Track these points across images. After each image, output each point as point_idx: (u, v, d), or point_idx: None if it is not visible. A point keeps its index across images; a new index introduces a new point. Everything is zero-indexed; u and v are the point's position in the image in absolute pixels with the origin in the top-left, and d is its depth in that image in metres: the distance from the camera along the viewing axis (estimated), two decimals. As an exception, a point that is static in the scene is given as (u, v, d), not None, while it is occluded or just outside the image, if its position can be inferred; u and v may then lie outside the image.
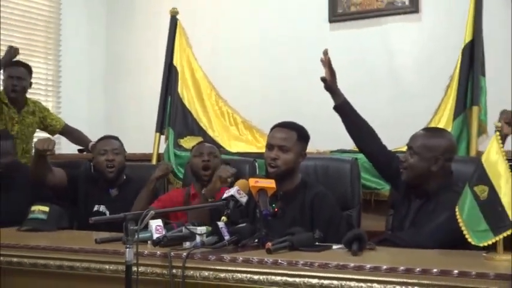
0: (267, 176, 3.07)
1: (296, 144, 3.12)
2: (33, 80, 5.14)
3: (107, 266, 2.45)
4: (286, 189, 3.08)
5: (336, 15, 5.20)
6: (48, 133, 4.75)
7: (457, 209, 2.35)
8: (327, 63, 3.07)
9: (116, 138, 3.92)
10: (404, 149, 3.08)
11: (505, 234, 2.20)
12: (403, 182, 3.05)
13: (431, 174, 2.92)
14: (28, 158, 4.32)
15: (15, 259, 2.66)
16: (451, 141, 3.04)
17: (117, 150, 3.73)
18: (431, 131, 3.08)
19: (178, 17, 4.89)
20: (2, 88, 4.54)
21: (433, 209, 2.86)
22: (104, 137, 3.89)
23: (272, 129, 3.21)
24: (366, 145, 3.23)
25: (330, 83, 3.12)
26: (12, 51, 4.37)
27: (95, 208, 3.53)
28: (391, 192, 3.40)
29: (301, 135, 3.18)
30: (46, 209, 3.16)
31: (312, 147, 3.48)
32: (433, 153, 2.91)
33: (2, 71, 4.54)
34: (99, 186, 3.66)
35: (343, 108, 3.17)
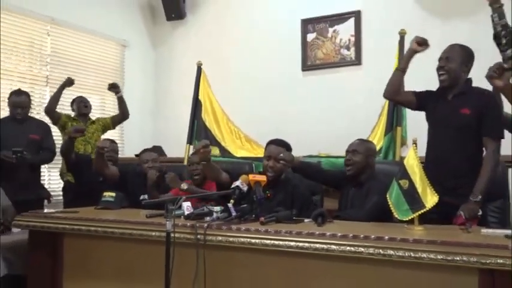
0: (262, 173, 3.04)
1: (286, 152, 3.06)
2: (105, 107, 5.14)
3: (153, 233, 2.43)
4: (276, 182, 3.05)
5: (306, 66, 5.18)
6: (107, 129, 4.65)
7: (387, 195, 2.34)
8: None
9: (153, 150, 3.89)
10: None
11: (419, 213, 2.21)
12: (343, 179, 3.01)
13: (366, 167, 2.90)
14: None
15: (92, 228, 2.63)
16: (374, 146, 3.04)
17: (155, 159, 3.64)
18: (362, 140, 3.04)
19: (202, 66, 4.91)
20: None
21: (365, 193, 2.83)
22: (145, 150, 3.80)
23: (268, 145, 3.15)
24: (324, 181, 3.20)
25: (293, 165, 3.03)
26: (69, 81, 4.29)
27: (141, 197, 3.40)
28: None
29: (288, 149, 3.14)
30: (113, 194, 3.14)
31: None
32: (368, 152, 2.92)
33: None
34: (143, 182, 3.58)
35: (301, 170, 3.10)
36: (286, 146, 3.15)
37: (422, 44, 2.67)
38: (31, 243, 2.87)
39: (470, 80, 2.66)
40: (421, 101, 2.80)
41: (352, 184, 2.97)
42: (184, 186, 3.20)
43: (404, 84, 2.83)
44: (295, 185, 3.09)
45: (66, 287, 2.77)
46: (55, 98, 4.21)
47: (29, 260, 2.89)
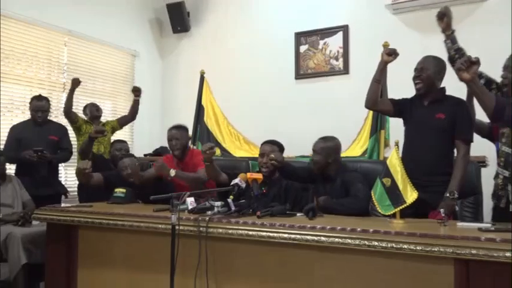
0: (258, 171, 3.04)
1: (279, 152, 3.07)
2: (116, 111, 5.12)
3: (160, 225, 2.42)
4: (270, 180, 3.04)
5: (299, 75, 5.17)
6: (115, 130, 4.58)
7: (372, 193, 2.33)
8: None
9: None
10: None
11: (400, 208, 2.21)
12: (312, 174, 2.96)
13: (331, 164, 2.84)
14: (107, 154, 4.18)
15: (104, 221, 2.62)
16: (337, 143, 2.92)
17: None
18: (322, 139, 2.93)
19: (204, 75, 4.92)
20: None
21: (341, 185, 2.78)
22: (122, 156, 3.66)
23: (263, 144, 3.15)
24: (298, 179, 3.07)
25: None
26: (76, 81, 4.13)
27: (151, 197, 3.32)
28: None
29: (281, 148, 3.14)
30: (124, 190, 3.12)
31: (284, 154, 3.46)
32: (327, 151, 2.84)
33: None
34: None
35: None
36: (279, 146, 3.15)
37: (391, 54, 2.65)
38: (49, 235, 2.86)
39: (444, 89, 2.66)
40: (398, 108, 2.80)
41: (323, 178, 2.91)
42: (172, 172, 3.14)
43: (388, 93, 2.83)
44: (288, 182, 3.08)
45: (80, 275, 2.76)
46: (69, 100, 4.15)
47: (47, 250, 2.88)
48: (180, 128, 3.43)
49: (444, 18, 2.60)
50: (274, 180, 3.08)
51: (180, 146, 3.36)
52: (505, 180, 2.41)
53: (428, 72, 2.60)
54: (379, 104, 2.81)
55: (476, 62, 2.15)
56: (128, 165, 3.26)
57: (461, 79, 2.20)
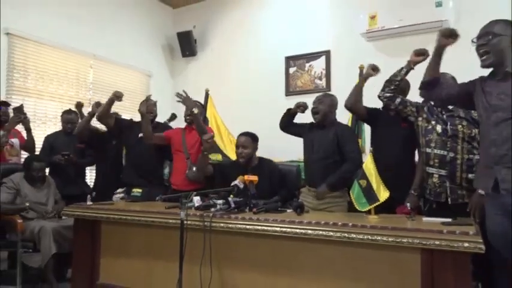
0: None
1: (251, 144, 3.06)
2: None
3: (170, 220, 2.40)
4: (252, 165, 3.03)
5: (289, 92, 5.17)
6: None
7: (351, 193, 2.31)
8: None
9: None
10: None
11: (374, 205, 2.20)
12: (307, 126, 2.98)
13: (327, 116, 2.85)
14: None
15: (123, 217, 2.59)
16: (335, 100, 2.93)
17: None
18: (326, 94, 3.04)
19: (209, 93, 4.91)
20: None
21: (332, 135, 2.78)
22: None
23: (238, 137, 3.12)
24: (288, 130, 3.15)
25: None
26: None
27: (157, 198, 3.00)
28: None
29: (254, 139, 3.12)
30: (140, 190, 3.08)
31: (275, 158, 3.44)
32: (330, 102, 2.87)
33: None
34: None
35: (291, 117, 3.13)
36: (252, 136, 3.10)
37: (375, 70, 2.70)
38: (76, 229, 2.82)
39: None
40: (370, 115, 2.82)
41: (317, 127, 2.89)
42: (195, 110, 3.16)
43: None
44: (269, 164, 3.07)
45: (102, 263, 2.73)
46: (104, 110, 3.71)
47: (74, 242, 2.84)
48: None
49: (421, 57, 2.50)
50: (257, 167, 3.02)
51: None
52: (442, 178, 2.35)
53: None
54: (357, 105, 2.79)
55: (456, 37, 2.11)
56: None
57: (441, 42, 2.13)
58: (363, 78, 2.78)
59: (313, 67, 5.06)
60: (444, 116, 2.42)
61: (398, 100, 2.57)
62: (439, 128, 2.40)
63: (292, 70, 5.19)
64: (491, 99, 1.93)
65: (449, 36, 2.11)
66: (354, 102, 2.76)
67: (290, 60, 5.21)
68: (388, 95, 2.58)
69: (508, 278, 1.94)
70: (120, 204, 2.92)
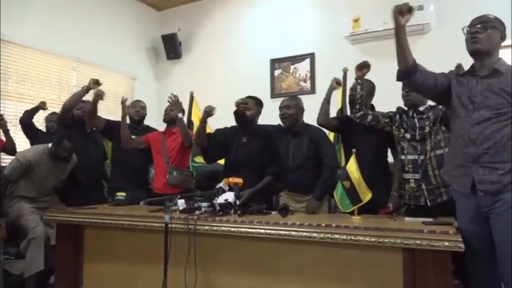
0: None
1: (255, 106, 3.08)
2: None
3: (155, 224, 2.40)
4: (249, 130, 3.01)
5: (274, 94, 5.19)
6: None
7: (334, 194, 2.34)
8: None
9: None
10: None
11: (357, 206, 2.23)
12: (278, 131, 2.99)
13: (298, 120, 2.88)
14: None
15: (107, 220, 2.58)
16: (301, 102, 2.97)
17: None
18: (291, 97, 3.02)
19: (194, 95, 4.91)
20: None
21: (308, 141, 2.80)
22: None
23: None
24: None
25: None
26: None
27: (141, 203, 2.97)
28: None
29: (258, 102, 3.13)
30: (124, 194, 3.06)
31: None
32: (297, 107, 2.90)
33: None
34: None
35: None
36: (256, 99, 3.11)
37: (339, 83, 2.80)
38: (59, 234, 2.79)
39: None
40: (342, 124, 2.89)
41: (290, 134, 2.89)
42: (180, 115, 3.25)
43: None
44: (266, 129, 3.02)
45: (86, 268, 2.71)
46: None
47: (56, 247, 2.80)
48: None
49: (364, 69, 2.59)
50: (252, 131, 3.00)
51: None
52: (418, 182, 2.39)
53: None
54: (328, 120, 2.86)
55: (411, 12, 1.91)
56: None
57: (397, 22, 1.92)
58: (328, 92, 2.83)
59: (298, 69, 5.09)
60: (415, 120, 2.48)
61: (370, 117, 2.63)
62: (408, 135, 2.47)
63: (277, 72, 5.22)
64: (473, 96, 1.90)
65: (407, 12, 1.90)
66: (326, 118, 2.84)
67: (275, 62, 5.23)
68: (358, 114, 2.64)
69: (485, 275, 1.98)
70: (104, 208, 2.90)
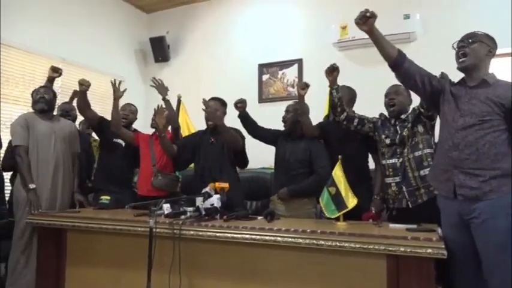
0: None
1: (221, 108, 3.11)
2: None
3: (139, 228, 2.36)
4: (217, 131, 3.01)
5: (262, 99, 5.20)
6: None
7: (320, 200, 2.35)
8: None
9: None
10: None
11: (343, 212, 2.24)
12: (280, 134, 3.04)
13: (297, 122, 2.91)
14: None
15: (90, 224, 2.54)
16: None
17: None
18: (293, 102, 3.07)
19: (181, 99, 4.89)
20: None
21: (304, 148, 2.85)
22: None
23: (208, 101, 3.07)
24: (256, 135, 3.15)
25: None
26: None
27: (126, 206, 2.79)
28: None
29: (223, 103, 3.16)
30: (108, 197, 3.04)
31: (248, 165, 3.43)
32: (294, 112, 2.94)
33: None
34: None
35: (246, 120, 3.13)
36: (220, 100, 3.15)
37: (304, 88, 2.77)
38: (40, 238, 2.74)
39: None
40: (323, 131, 2.94)
41: (289, 137, 2.95)
42: (167, 97, 3.30)
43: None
44: (234, 130, 3.04)
45: (68, 273, 2.66)
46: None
47: (38, 252, 2.74)
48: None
49: (334, 72, 2.64)
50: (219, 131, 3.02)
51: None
52: (399, 185, 2.44)
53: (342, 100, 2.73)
54: (311, 130, 2.89)
55: (372, 16, 2.00)
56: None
57: (362, 30, 2.05)
58: (300, 102, 2.85)
59: (286, 75, 5.11)
60: (397, 127, 2.53)
61: (356, 121, 2.68)
62: (387, 140, 2.53)
63: (265, 77, 5.23)
64: (461, 104, 1.98)
65: (365, 19, 2.00)
66: (308, 131, 2.88)
67: (263, 67, 5.24)
68: (342, 117, 2.68)
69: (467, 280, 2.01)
70: (88, 212, 2.85)
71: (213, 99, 3.14)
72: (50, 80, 3.44)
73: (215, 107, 3.06)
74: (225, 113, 3.17)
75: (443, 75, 2.42)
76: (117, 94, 3.24)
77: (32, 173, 2.92)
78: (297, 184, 2.75)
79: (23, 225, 2.81)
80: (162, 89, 3.36)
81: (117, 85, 3.27)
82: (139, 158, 3.36)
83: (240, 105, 3.05)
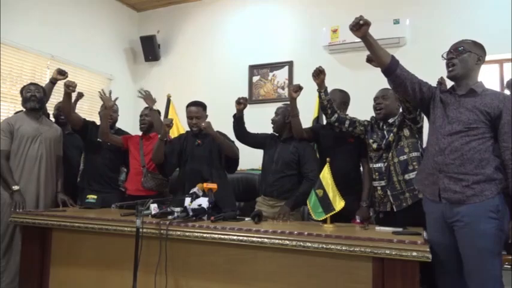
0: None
1: (204, 113, 3.10)
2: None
3: (126, 228, 2.35)
4: (202, 134, 3.00)
5: (252, 101, 5.18)
6: None
7: (308, 202, 2.35)
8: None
9: None
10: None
11: (330, 214, 2.25)
12: (268, 136, 3.05)
13: (286, 124, 2.93)
14: None
15: (76, 224, 2.52)
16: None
17: None
18: (282, 105, 3.07)
19: (171, 98, 4.81)
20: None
21: (292, 150, 2.85)
22: None
23: (188, 107, 3.08)
24: (244, 140, 3.14)
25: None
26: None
27: (112, 206, 2.80)
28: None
29: (204, 107, 3.13)
30: (95, 197, 2.99)
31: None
32: (284, 112, 2.95)
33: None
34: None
35: (240, 121, 3.12)
36: (202, 105, 3.12)
37: (297, 90, 2.77)
38: (24, 237, 2.70)
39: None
40: (315, 134, 2.96)
41: (278, 140, 2.96)
42: (154, 107, 3.29)
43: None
44: (217, 133, 3.04)
45: (52, 273, 2.62)
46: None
47: (21, 251, 2.70)
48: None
49: (321, 75, 2.66)
50: (205, 134, 3.01)
51: (147, 122, 3.32)
52: (384, 189, 2.48)
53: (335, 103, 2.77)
54: (303, 133, 2.90)
55: (365, 24, 2.01)
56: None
57: (356, 36, 2.05)
58: (292, 105, 2.84)
59: (277, 77, 5.13)
60: (385, 132, 2.57)
61: (347, 122, 2.70)
62: (375, 145, 2.56)
63: (255, 79, 5.24)
64: (449, 111, 2.03)
65: (358, 26, 2.01)
66: (298, 133, 2.88)
67: (254, 68, 5.26)
68: (334, 119, 2.70)
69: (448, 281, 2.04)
70: (73, 211, 2.82)
71: (194, 104, 3.08)
72: (53, 82, 3.39)
73: (199, 114, 3.03)
74: (206, 116, 3.13)
75: (441, 81, 2.49)
76: (109, 104, 3.20)
77: (17, 173, 2.93)
78: (293, 197, 2.71)
79: (4, 228, 2.80)
80: (149, 99, 3.33)
81: (107, 95, 3.23)
82: (125, 157, 3.34)
83: (243, 101, 3.01)
